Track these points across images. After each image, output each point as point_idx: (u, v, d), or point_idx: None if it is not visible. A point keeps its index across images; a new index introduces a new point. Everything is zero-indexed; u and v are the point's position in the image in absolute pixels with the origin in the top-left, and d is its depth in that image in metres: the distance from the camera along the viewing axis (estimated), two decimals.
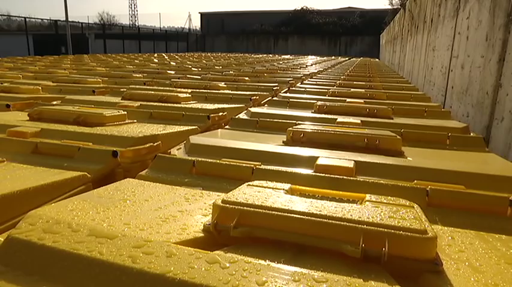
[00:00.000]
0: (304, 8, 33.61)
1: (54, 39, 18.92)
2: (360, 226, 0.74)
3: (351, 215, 0.78)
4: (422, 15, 5.78)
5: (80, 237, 0.75)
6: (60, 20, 19.19)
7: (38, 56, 11.29)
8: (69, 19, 18.55)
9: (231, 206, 0.82)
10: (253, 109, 2.35)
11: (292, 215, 0.79)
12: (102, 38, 22.14)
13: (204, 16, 36.62)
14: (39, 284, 0.66)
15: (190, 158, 1.33)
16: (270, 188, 0.95)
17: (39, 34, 21.48)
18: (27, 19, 17.89)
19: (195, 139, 1.56)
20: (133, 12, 53.53)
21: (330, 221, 0.76)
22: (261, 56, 14.38)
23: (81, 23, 23.05)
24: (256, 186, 0.96)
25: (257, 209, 0.81)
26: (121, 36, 24.41)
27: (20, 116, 2.15)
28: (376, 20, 24.90)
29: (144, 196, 1.03)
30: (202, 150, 1.46)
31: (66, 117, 1.92)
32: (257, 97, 2.93)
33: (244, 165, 1.26)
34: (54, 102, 2.57)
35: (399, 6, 11.79)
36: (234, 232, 0.79)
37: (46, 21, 23.73)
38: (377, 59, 16.52)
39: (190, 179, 1.23)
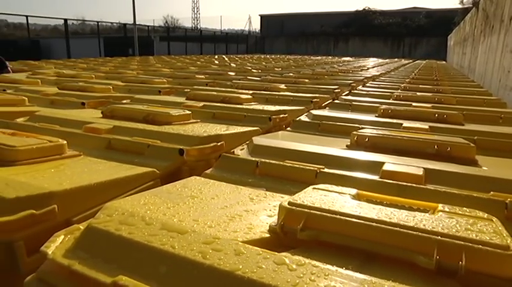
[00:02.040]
0: (367, 8, 32.72)
1: (122, 41, 20.01)
2: (434, 236, 0.71)
3: (424, 225, 0.75)
4: (499, 14, 5.40)
5: (153, 230, 0.79)
6: (128, 24, 20.27)
7: (108, 57, 12.01)
8: (137, 23, 19.57)
9: (297, 208, 0.82)
10: (314, 112, 2.33)
11: (362, 221, 0.77)
12: (166, 41, 23.08)
13: (263, 18, 36.92)
14: (116, 272, 0.69)
15: (253, 158, 1.35)
16: (336, 192, 0.94)
17: (109, 37, 22.81)
18: (99, 23, 19.07)
19: (258, 140, 1.58)
20: (195, 16, 55.19)
21: (402, 229, 0.74)
22: (320, 57, 14.24)
23: (148, 26, 24.23)
24: (322, 189, 0.95)
25: (324, 213, 0.80)
26: (184, 38, 25.29)
27: (94, 113, 2.30)
28: (444, 20, 23.64)
29: (210, 194, 1.05)
30: (265, 151, 1.47)
31: (136, 116, 2.02)
32: (318, 99, 2.91)
33: (307, 168, 1.26)
34: (124, 101, 2.72)
35: (471, 5, 11.09)
36: (301, 235, 0.78)
37: (115, 24, 25.16)
38: (444, 62, 15.67)
39: (254, 179, 1.25)
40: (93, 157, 1.50)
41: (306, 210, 0.81)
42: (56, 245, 0.79)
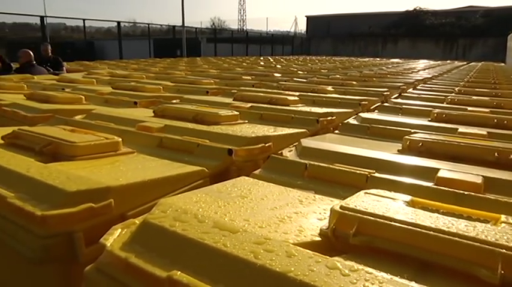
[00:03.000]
0: (418, 8, 31.60)
1: (171, 43, 20.61)
2: (498, 249, 0.67)
3: (486, 237, 0.71)
4: None
5: (206, 228, 0.81)
6: (177, 26, 20.85)
7: (157, 58, 12.42)
8: (185, 25, 20.09)
9: (350, 213, 0.81)
10: (363, 115, 2.28)
11: (418, 229, 0.74)
12: (213, 42, 23.51)
13: (310, 19, 36.67)
14: (170, 267, 0.72)
15: (302, 160, 1.34)
16: (389, 198, 0.91)
17: (159, 38, 23.57)
18: (149, 25, 19.77)
19: (306, 142, 1.57)
20: (242, 17, 55.88)
21: (461, 240, 0.70)
22: (367, 59, 13.92)
23: (195, 28, 24.80)
24: (375, 195, 0.93)
25: (378, 219, 0.78)
26: (230, 40, 25.67)
27: (146, 112, 2.38)
28: (503, 19, 22.32)
29: (259, 194, 1.06)
30: (313, 153, 1.46)
31: (186, 115, 2.07)
32: (366, 102, 2.84)
33: (358, 172, 1.23)
34: (174, 101, 2.80)
35: None
36: (354, 240, 0.77)
37: (165, 26, 25.99)
38: (503, 64, 14.80)
39: (303, 181, 1.24)
40: (146, 155, 1.55)
41: (358, 215, 0.80)
42: (114, 238, 0.83)
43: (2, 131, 1.68)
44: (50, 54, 6.91)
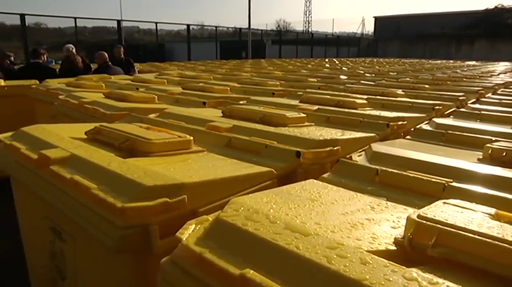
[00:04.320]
0: (499, 6, 29.30)
1: (236, 45, 21.04)
2: None
3: None
4: None
5: (277, 229, 0.81)
6: (243, 28, 21.23)
7: (223, 60, 12.73)
8: (251, 27, 20.41)
9: (428, 223, 0.77)
10: (438, 120, 2.16)
11: (506, 245, 0.69)
12: (278, 44, 23.62)
13: (378, 20, 35.56)
14: (243, 265, 0.73)
15: (373, 166, 1.30)
16: (470, 209, 0.86)
17: (225, 41, 24.15)
18: (217, 28, 20.31)
19: (377, 147, 1.52)
20: (307, 19, 55.46)
21: None
22: (440, 61, 13.18)
23: (261, 30, 25.10)
24: (454, 205, 0.87)
25: (460, 232, 0.73)
26: (295, 41, 25.63)
27: (215, 112, 2.45)
28: None
29: (329, 198, 1.04)
30: (384, 159, 1.41)
31: (253, 116, 2.10)
32: (440, 107, 2.69)
33: (433, 180, 1.17)
34: (241, 102, 2.85)
35: None
36: (432, 251, 0.73)
37: (231, 29, 26.56)
38: None
39: (373, 187, 1.20)
40: (215, 153, 1.60)
41: (438, 225, 0.76)
42: (189, 233, 0.86)
43: (85, 127, 1.82)
44: (122, 56, 7.36)
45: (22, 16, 10.82)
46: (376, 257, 0.72)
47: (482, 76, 6.13)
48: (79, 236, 1.33)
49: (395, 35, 32.38)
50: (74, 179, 1.19)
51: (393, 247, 0.79)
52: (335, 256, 0.71)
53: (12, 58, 7.10)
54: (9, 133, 1.79)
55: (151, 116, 2.30)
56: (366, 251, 0.75)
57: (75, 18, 12.88)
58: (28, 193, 1.63)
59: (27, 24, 11.33)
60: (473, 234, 0.72)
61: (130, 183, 1.12)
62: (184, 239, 0.83)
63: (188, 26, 16.82)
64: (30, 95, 4.14)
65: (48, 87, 4.02)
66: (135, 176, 1.14)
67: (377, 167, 1.27)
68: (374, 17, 36.10)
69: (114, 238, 1.01)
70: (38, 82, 4.46)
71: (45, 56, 6.19)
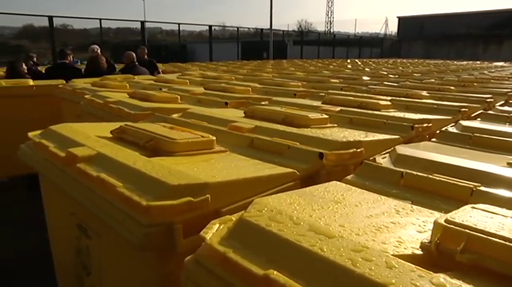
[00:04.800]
0: None
1: (258, 45, 21.07)
2: None
3: None
4: None
5: (301, 230, 0.81)
6: (264, 29, 21.25)
7: (244, 61, 12.76)
8: (272, 27, 20.41)
9: (456, 227, 0.75)
10: (464, 122, 2.11)
11: None
12: (299, 44, 23.53)
13: (401, 20, 34.99)
14: (266, 265, 0.73)
15: (397, 168, 1.28)
16: (501, 215, 0.83)
17: (246, 41, 24.21)
18: (238, 28, 20.39)
19: (402, 149, 1.50)
20: (329, 19, 55.07)
21: None
22: (465, 63, 12.86)
23: (283, 31, 25.08)
24: (483, 210, 0.85)
25: (491, 238, 0.71)
26: (316, 42, 25.49)
27: (237, 113, 2.46)
28: None
29: (353, 200, 1.03)
30: (409, 161, 1.38)
31: (275, 117, 2.10)
32: (467, 109, 2.63)
33: (461, 184, 1.14)
34: (263, 103, 2.85)
35: None
36: (460, 257, 0.71)
37: (252, 29, 26.62)
38: None
39: (398, 190, 1.18)
40: (237, 154, 1.60)
41: (467, 231, 0.74)
42: (213, 232, 0.86)
43: (110, 126, 1.86)
44: (146, 57, 7.47)
45: (50, 18, 11.13)
46: (402, 261, 0.70)
47: (511, 78, 5.95)
48: (104, 233, 1.36)
49: (419, 35, 31.79)
50: (100, 177, 1.21)
51: (419, 252, 0.78)
52: (360, 259, 0.70)
53: (35, 59, 7.32)
54: (38, 131, 1.84)
55: (175, 116, 2.32)
56: (392, 255, 0.74)
57: (100, 19, 13.18)
58: (55, 190, 1.68)
59: (54, 26, 11.64)
60: (505, 240, 0.71)
61: (155, 182, 1.14)
62: (208, 238, 0.84)
63: (210, 26, 16.94)
64: (57, 94, 4.25)
65: (74, 87, 4.12)
66: (160, 175, 1.16)
67: (402, 169, 1.25)
68: (397, 17, 35.56)
69: (139, 236, 1.03)
70: (64, 82, 4.58)
71: (71, 57, 6.35)
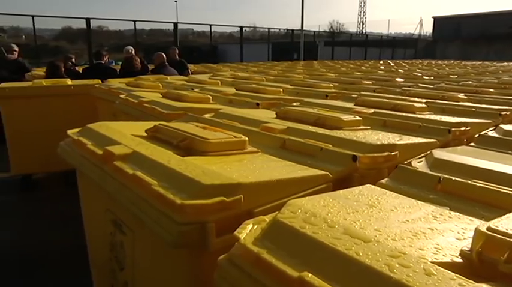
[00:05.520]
0: None
1: (288, 46, 21.02)
2: None
3: None
4: None
5: (336, 233, 0.80)
6: (295, 30, 21.16)
7: (275, 62, 12.76)
8: (303, 28, 20.30)
9: (500, 236, 0.72)
10: (506, 127, 2.03)
11: None
12: (331, 45, 23.30)
13: (437, 20, 34.02)
14: (301, 267, 0.72)
15: (435, 173, 1.25)
16: None
17: (276, 42, 24.19)
18: (269, 30, 20.40)
19: (439, 153, 1.45)
20: (361, 20, 54.33)
21: None
22: (506, 64, 12.35)
23: (314, 31, 24.92)
24: None
25: None
26: (348, 43, 25.16)
27: (268, 113, 2.46)
28: None
29: (388, 205, 1.01)
30: (447, 166, 1.34)
31: (307, 119, 2.09)
32: (508, 113, 2.52)
33: (503, 191, 1.10)
34: (295, 104, 2.84)
35: None
36: (504, 267, 0.69)
37: (282, 30, 26.58)
38: None
39: (435, 196, 1.15)
40: (269, 155, 1.60)
41: (511, 240, 0.71)
42: (246, 232, 0.87)
43: (145, 125, 1.90)
44: (177, 57, 7.60)
45: (88, 20, 11.51)
46: (441, 268, 0.68)
47: None
48: (138, 230, 1.39)
49: (455, 35, 30.80)
50: (136, 175, 1.24)
51: (459, 260, 0.75)
52: (397, 265, 0.69)
53: (73, 60, 7.59)
54: (77, 130, 1.91)
55: (207, 116, 2.35)
56: (430, 262, 0.72)
57: (134, 21, 13.50)
58: (92, 187, 1.73)
59: (91, 27, 12.03)
60: None
61: (189, 181, 1.16)
62: (242, 238, 0.84)
63: (241, 28, 17.06)
64: (93, 93, 4.39)
65: (110, 86, 4.25)
66: (194, 175, 1.18)
67: (439, 174, 1.22)
68: (433, 17, 34.57)
69: (173, 233, 1.05)
70: (100, 82, 4.73)
71: (106, 57, 6.55)
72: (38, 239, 3.56)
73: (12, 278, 2.96)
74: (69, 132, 1.88)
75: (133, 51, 7.04)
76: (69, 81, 4.80)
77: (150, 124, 1.87)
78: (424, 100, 2.94)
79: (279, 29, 27.37)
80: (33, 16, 11.48)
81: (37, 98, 4.48)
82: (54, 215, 4.02)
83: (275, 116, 2.28)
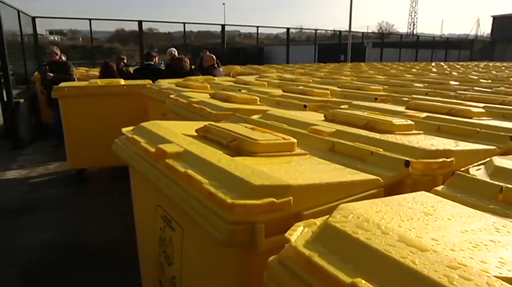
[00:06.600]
0: None
1: (335, 48, 20.69)
2: None
3: None
4: None
5: (391, 240, 0.78)
6: (343, 31, 20.81)
7: (321, 63, 12.61)
8: (351, 29, 19.93)
9: None
10: None
11: None
12: (379, 47, 22.68)
13: (496, 20, 32.19)
14: (355, 273, 0.71)
15: (495, 182, 1.18)
16: None
17: (323, 43, 23.89)
18: (316, 31, 20.20)
19: (499, 161, 1.37)
20: (412, 20, 52.53)
21: None
22: None
23: (362, 32, 24.39)
24: None
25: None
26: (398, 44, 24.35)
27: (316, 116, 2.44)
28: None
29: (445, 213, 0.97)
30: (509, 175, 1.26)
31: (357, 122, 2.04)
32: None
33: None
34: (343, 106, 2.79)
35: None
36: None
37: (329, 31, 26.23)
38: None
39: (496, 206, 1.09)
40: (318, 157, 1.59)
41: None
42: (297, 235, 0.86)
43: (194, 125, 1.94)
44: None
45: (140, 23, 11.95)
46: (506, 284, 0.65)
47: None
48: (187, 226, 1.43)
49: None
50: (187, 173, 1.28)
51: None
52: (457, 277, 0.66)
53: (125, 60, 7.91)
54: (130, 128, 1.99)
55: (254, 117, 2.36)
56: (494, 276, 0.68)
57: (184, 23, 13.82)
58: (144, 183, 1.80)
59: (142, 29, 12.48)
60: None
61: (239, 181, 1.17)
62: (293, 240, 0.84)
63: (288, 29, 17.00)
64: (144, 93, 4.56)
65: (160, 87, 4.39)
66: (244, 175, 1.19)
67: (501, 183, 1.15)
68: (492, 16, 32.76)
69: (223, 232, 1.06)
70: (151, 82, 4.90)
71: (156, 58, 6.77)
72: (91, 231, 3.75)
73: (70, 269, 3.13)
74: (124, 130, 1.96)
75: (176, 53, 7.22)
76: (122, 82, 5.01)
77: (199, 124, 1.91)
78: (482, 105, 2.79)
79: (326, 30, 27.05)
80: (90, 19, 12.08)
81: (93, 97, 4.73)
82: (106, 208, 4.22)
83: (323, 118, 2.26)
